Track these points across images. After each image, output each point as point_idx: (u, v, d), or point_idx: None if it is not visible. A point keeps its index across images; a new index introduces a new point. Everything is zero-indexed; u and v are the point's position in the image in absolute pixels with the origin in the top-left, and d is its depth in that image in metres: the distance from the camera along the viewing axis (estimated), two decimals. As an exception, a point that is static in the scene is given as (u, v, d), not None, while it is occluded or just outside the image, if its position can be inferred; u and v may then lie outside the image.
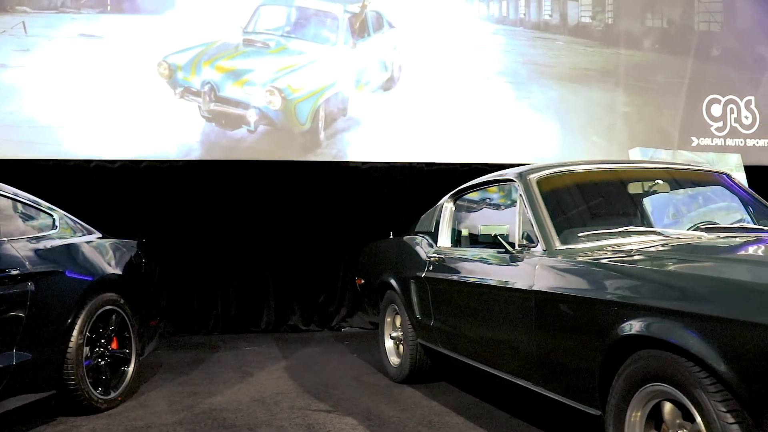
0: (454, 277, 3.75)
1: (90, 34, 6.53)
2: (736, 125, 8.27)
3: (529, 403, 3.77)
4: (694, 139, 8.09)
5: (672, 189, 3.67)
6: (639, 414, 2.39)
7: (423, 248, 4.31)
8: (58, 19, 6.48)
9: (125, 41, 6.58)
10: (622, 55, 7.88)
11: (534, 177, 3.38)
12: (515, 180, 3.46)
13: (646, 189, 3.53)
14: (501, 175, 3.71)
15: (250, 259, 6.83)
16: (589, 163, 3.56)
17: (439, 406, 3.99)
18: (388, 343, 4.82)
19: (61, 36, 6.49)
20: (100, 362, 3.99)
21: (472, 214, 4.12)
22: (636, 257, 2.66)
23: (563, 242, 3.04)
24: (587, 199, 3.47)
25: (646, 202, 3.56)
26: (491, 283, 3.32)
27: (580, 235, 3.06)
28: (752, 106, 8.33)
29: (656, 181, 3.47)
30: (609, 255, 2.77)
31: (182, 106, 6.62)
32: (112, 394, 4.04)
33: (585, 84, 7.68)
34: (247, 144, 6.73)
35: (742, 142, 8.28)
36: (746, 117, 8.30)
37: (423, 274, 4.12)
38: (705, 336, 2.10)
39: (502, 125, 7.31)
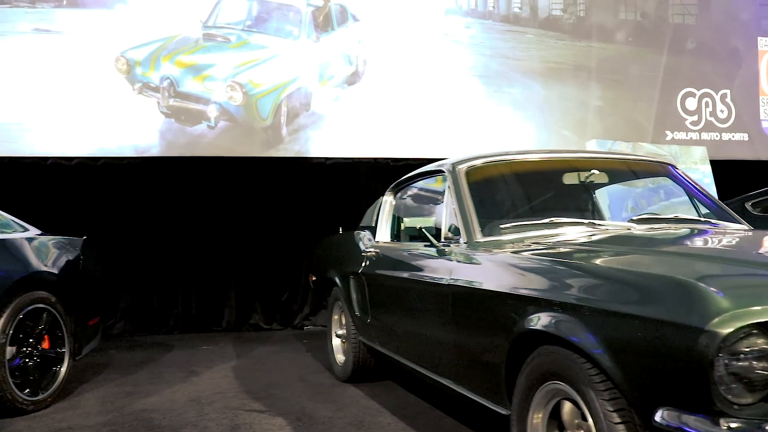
0: (386, 273, 3.63)
1: (45, 29, 6.42)
2: (712, 119, 8.14)
3: (465, 404, 3.65)
4: (668, 132, 7.97)
5: (611, 180, 3.54)
6: (541, 415, 2.27)
7: (363, 243, 4.19)
8: (12, 14, 6.37)
9: (82, 36, 6.46)
10: (595, 49, 7.75)
11: (463, 167, 3.26)
12: (445, 171, 3.34)
13: (582, 179, 3.40)
14: (436, 166, 3.59)
15: (211, 257, 6.72)
16: (523, 153, 3.44)
17: (377, 405, 3.88)
18: (335, 341, 4.71)
19: (15, 31, 6.38)
20: (27, 362, 3.88)
21: (409, 207, 4.00)
22: (549, 250, 2.54)
23: (485, 234, 2.92)
24: (517, 190, 3.35)
25: (581, 192, 3.44)
26: (415, 278, 3.21)
27: (502, 227, 2.94)
28: (728, 100, 8.20)
29: (592, 172, 3.34)
30: (524, 248, 2.65)
31: (141, 101, 6.51)
32: (41, 395, 3.93)
33: (556, 78, 7.55)
34: (207, 140, 6.62)
35: (717, 136, 8.15)
36: (722, 111, 8.17)
37: (360, 270, 4.01)
38: (592, 330, 1.98)
39: (470, 120, 7.19)
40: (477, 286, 2.62)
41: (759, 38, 8.36)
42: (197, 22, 6.67)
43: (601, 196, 5.02)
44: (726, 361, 1.61)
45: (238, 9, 6.80)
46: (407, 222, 3.22)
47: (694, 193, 3.63)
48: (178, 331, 6.62)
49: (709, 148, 8.13)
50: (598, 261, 2.22)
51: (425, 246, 3.23)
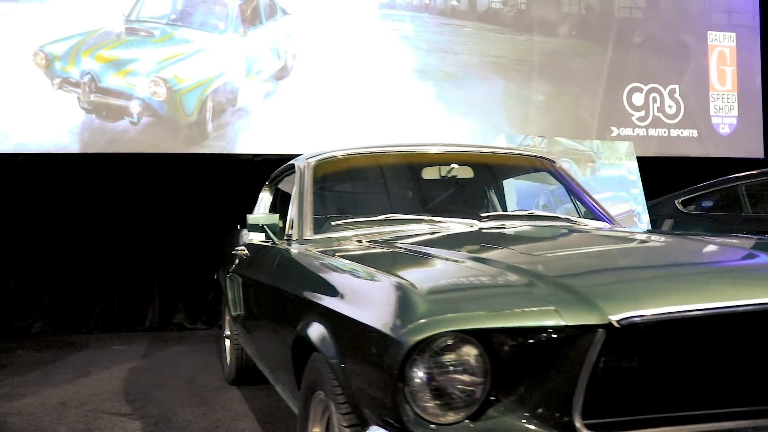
0: (243, 272, 3.50)
1: (-39, 22, 6.30)
2: (659, 115, 7.97)
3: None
4: (614, 128, 7.81)
5: (478, 174, 3.37)
6: (318, 428, 2.12)
7: (239, 242, 4.06)
8: (-75, 7, 6.25)
9: None
10: (536, 43, 7.59)
11: (312, 162, 3.13)
12: (296, 165, 3.21)
13: (443, 174, 3.25)
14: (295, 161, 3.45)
15: (135, 256, 6.59)
16: (381, 147, 3.30)
17: (245, 409, 3.75)
18: (226, 342, 4.58)
19: (-71, 25, 6.27)
20: None
21: (276, 202, 3.86)
22: (357, 250, 2.40)
23: (317, 232, 2.79)
24: (365, 185, 3.22)
25: (438, 187, 3.29)
26: (253, 277, 3.09)
27: (334, 223, 2.81)
28: (676, 95, 8.03)
29: (451, 166, 3.19)
30: (339, 246, 2.51)
31: (60, 97, 6.38)
32: None
33: (496, 72, 7.40)
34: (130, 136, 6.49)
35: (665, 132, 7.99)
36: (670, 106, 8.01)
37: (231, 269, 3.88)
38: (331, 337, 1.84)
39: (405, 116, 7.04)
40: (278, 286, 2.49)
41: (709, 32, 8.19)
42: (119, 16, 6.52)
43: (509, 191, 4.90)
44: (421, 374, 1.44)
45: (162, 2, 6.65)
46: (250, 219, 3.09)
47: (572, 189, 3.48)
48: (99, 330, 6.49)
49: (658, 144, 8.00)
50: (365, 263, 2.08)
51: (270, 244, 3.10)
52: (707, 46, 8.17)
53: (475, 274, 1.68)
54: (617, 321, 1.37)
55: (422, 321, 1.40)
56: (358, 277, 1.86)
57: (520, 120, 7.45)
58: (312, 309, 2.01)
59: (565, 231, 2.52)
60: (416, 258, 2.04)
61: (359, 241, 2.55)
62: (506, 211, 3.51)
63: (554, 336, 1.38)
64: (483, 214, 2.85)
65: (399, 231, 2.69)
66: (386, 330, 1.47)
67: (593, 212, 3.31)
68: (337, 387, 1.79)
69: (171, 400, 3.97)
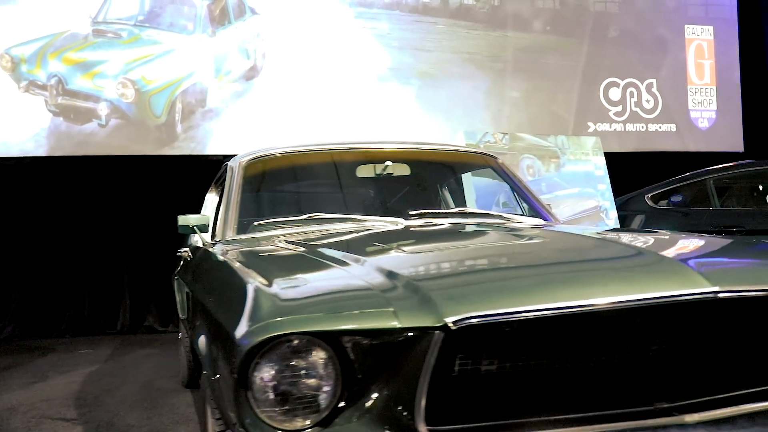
0: (182, 275, 3.46)
1: (-74, 26, 6.28)
2: (637, 109, 7.91)
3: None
4: (590, 124, 7.75)
5: (415, 171, 3.32)
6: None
7: (186, 243, 4.02)
8: None
9: (-35, 34, 6.32)
10: (510, 38, 7.54)
11: (243, 161, 3.09)
12: (228, 165, 3.18)
13: (377, 172, 3.20)
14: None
15: (105, 259, 6.57)
16: (314, 146, 3.25)
17: (191, 412, 3.72)
18: (182, 345, 4.54)
19: None
20: None
21: (220, 204, 3.82)
22: (258, 252, 2.35)
23: (240, 232, 2.75)
24: (298, 184, 3.17)
25: (373, 186, 3.24)
26: (186, 280, 3.05)
27: (256, 224, 2.77)
28: (654, 90, 7.97)
29: (386, 164, 3.15)
30: (252, 248, 2.47)
31: (27, 100, 6.35)
32: None
33: (469, 69, 7.35)
34: (98, 138, 6.46)
35: (643, 126, 7.93)
36: (647, 101, 7.95)
37: (176, 271, 3.85)
38: (203, 339, 1.81)
39: (376, 115, 7.00)
40: (191, 289, 2.45)
41: (686, 26, 8.13)
42: (86, 18, 6.49)
43: (468, 188, 4.85)
44: (265, 379, 1.40)
45: (129, 4, 6.62)
46: (181, 220, 3.05)
47: (514, 186, 3.43)
48: (69, 334, 6.47)
49: (636, 139, 7.94)
50: (247, 265, 2.03)
51: (201, 246, 3.06)
52: (684, 40, 8.11)
53: (342, 276, 1.64)
54: (452, 323, 1.32)
55: (261, 324, 1.36)
56: (231, 279, 1.82)
57: (494, 117, 7.40)
58: (198, 311, 1.98)
59: (478, 230, 2.46)
60: (302, 259, 1.99)
61: (279, 242, 2.51)
62: (455, 207, 3.45)
63: (395, 339, 1.34)
64: (411, 212, 2.80)
65: (324, 230, 2.65)
66: (232, 332, 1.43)
67: (534, 209, 3.26)
68: (209, 389, 1.77)
69: (120, 405, 3.94)
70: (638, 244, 1.86)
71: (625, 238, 2.15)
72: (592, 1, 7.82)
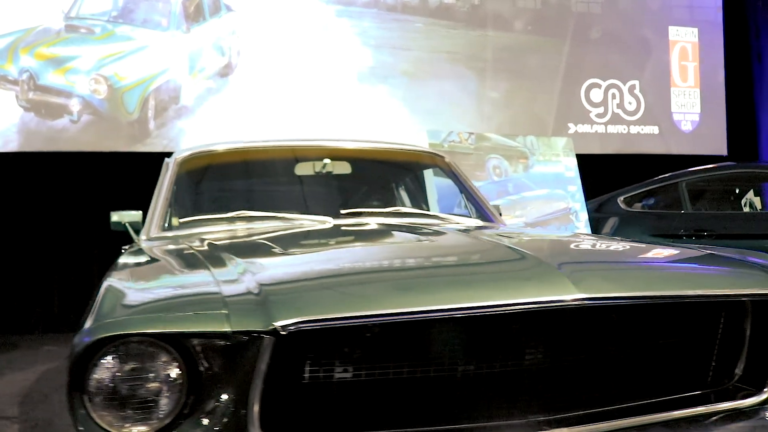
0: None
1: None
2: (619, 111, 7.84)
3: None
4: (571, 125, 7.68)
5: (356, 170, 3.25)
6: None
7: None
8: None
9: (-63, 28, 6.28)
10: (491, 38, 7.47)
11: (179, 157, 3.06)
12: (165, 161, 3.13)
13: (316, 170, 3.14)
14: (176, 157, 3.36)
15: (75, 255, 6.52)
16: (253, 142, 3.21)
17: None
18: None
19: None
20: None
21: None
22: (167, 252, 2.30)
23: (165, 230, 2.70)
24: (234, 181, 3.12)
25: (309, 184, 3.17)
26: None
27: (181, 221, 2.72)
28: (636, 91, 7.90)
29: (324, 162, 3.09)
30: (159, 247, 2.42)
31: (-2, 95, 6.32)
32: None
33: (448, 69, 7.29)
34: (69, 135, 6.41)
35: (625, 129, 7.86)
36: (630, 102, 7.87)
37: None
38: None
39: (353, 114, 6.94)
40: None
41: (670, 27, 8.05)
42: (59, 13, 6.45)
43: (430, 188, 4.78)
44: (101, 382, 1.31)
45: (103, -1, 6.58)
46: (114, 216, 3.00)
47: (462, 186, 3.36)
48: (39, 331, 6.43)
49: (617, 141, 7.88)
50: (135, 262, 1.99)
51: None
52: (668, 42, 8.03)
53: (204, 279, 1.56)
54: (281, 327, 1.26)
55: (98, 324, 1.31)
56: (105, 278, 1.77)
57: (473, 117, 7.34)
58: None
59: (385, 231, 2.37)
60: (188, 260, 1.93)
61: (194, 241, 2.46)
62: (396, 207, 3.37)
63: (232, 343, 1.28)
64: (343, 211, 2.74)
65: (249, 229, 2.59)
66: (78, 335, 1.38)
67: (479, 210, 3.19)
68: None
69: (38, 407, 3.89)
70: (529, 249, 1.78)
71: (529, 241, 2.09)
72: (574, 1, 7.75)
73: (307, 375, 1.32)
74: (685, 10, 8.09)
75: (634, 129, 7.86)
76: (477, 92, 7.39)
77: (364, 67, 7.04)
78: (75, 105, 6.40)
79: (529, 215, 5.18)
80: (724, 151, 8.14)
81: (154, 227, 2.68)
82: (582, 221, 5.52)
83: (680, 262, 1.88)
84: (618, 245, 2.06)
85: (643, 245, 2.13)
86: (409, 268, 1.60)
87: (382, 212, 2.85)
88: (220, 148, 3.09)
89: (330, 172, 3.17)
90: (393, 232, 2.27)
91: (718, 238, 5.27)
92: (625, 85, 7.84)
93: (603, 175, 7.07)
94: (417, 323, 1.31)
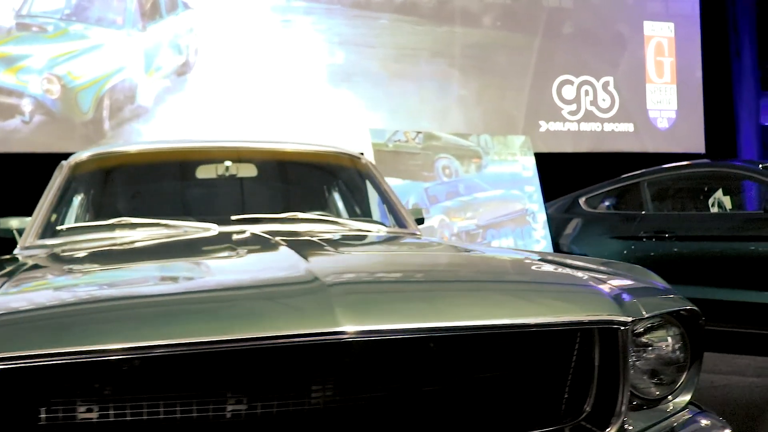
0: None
1: None
2: (592, 108, 7.67)
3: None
4: (542, 123, 7.51)
5: (263, 172, 3.09)
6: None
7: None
8: None
9: None
10: (458, 34, 7.30)
11: (72, 161, 2.90)
12: (60, 163, 2.99)
13: (219, 173, 2.98)
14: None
15: (29, 259, 6.39)
16: (151, 144, 3.07)
17: None
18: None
19: None
20: None
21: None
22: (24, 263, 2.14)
23: (42, 237, 2.55)
24: (119, 186, 2.96)
25: (207, 188, 3.01)
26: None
27: (58, 228, 2.57)
28: (610, 88, 7.72)
29: (226, 165, 2.93)
30: (23, 256, 2.27)
31: (-52, 95, 6.19)
32: None
33: (414, 66, 7.12)
34: (21, 135, 6.28)
35: (598, 126, 7.68)
36: (604, 99, 7.69)
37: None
38: None
39: (315, 113, 6.78)
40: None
41: (645, 22, 7.87)
42: (9, 11, 6.31)
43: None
44: None
45: (55, -3, 6.44)
46: (1, 222, 2.85)
47: (376, 190, 3.18)
48: None
49: (591, 139, 7.70)
50: None
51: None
52: (643, 37, 7.85)
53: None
54: None
55: None
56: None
57: (439, 116, 7.17)
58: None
59: (260, 241, 2.19)
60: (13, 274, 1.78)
61: (64, 250, 2.31)
62: (315, 211, 3.19)
63: None
64: (234, 217, 2.58)
65: (127, 237, 2.43)
66: None
67: (394, 216, 3.02)
68: None
69: None
70: (330, 269, 1.57)
71: (348, 258, 1.91)
72: (545, -5, 7.57)
73: (43, 417, 1.16)
74: (661, 4, 7.90)
75: (608, 126, 7.68)
76: (444, 90, 7.22)
77: (326, 65, 6.88)
78: (27, 105, 6.26)
79: (481, 217, 5.01)
80: (702, 149, 7.95)
81: (32, 235, 2.53)
82: (540, 222, 5.35)
83: (510, 281, 1.70)
84: (454, 260, 1.92)
85: (494, 258, 1.97)
86: (184, 291, 1.43)
87: (276, 218, 2.68)
88: (116, 149, 2.95)
89: (234, 175, 3.02)
90: (256, 244, 2.11)
91: (679, 239, 5.10)
92: (598, 81, 7.66)
93: (576, 174, 6.89)
94: (154, 358, 1.15)
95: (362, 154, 3.36)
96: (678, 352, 1.60)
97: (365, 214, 3.13)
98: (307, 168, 3.21)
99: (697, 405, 1.67)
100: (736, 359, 4.69)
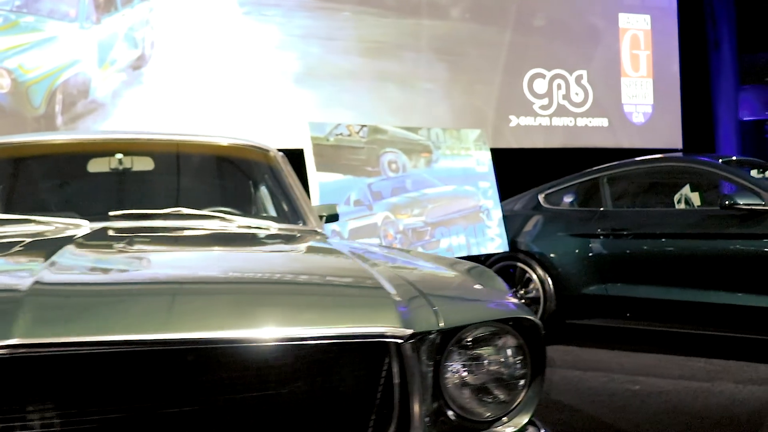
0: None
1: None
2: (565, 102, 7.47)
3: None
4: (512, 117, 7.32)
5: (160, 166, 2.92)
6: None
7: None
8: None
9: None
10: (425, 26, 7.11)
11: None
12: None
13: (114, 167, 2.81)
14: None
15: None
16: (38, 136, 2.91)
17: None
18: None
19: None
20: None
21: None
22: None
23: None
24: (4, 180, 2.79)
25: (92, 182, 2.84)
26: None
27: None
28: (584, 82, 7.52)
29: (118, 158, 2.77)
30: None
31: None
32: None
33: (378, 59, 6.94)
34: (-29, 131, 6.15)
35: (571, 121, 7.48)
36: (577, 93, 7.50)
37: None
38: None
39: (274, 108, 6.61)
40: None
41: (621, 14, 7.67)
42: (-41, 3, 6.18)
43: (313, 185, 4.44)
44: None
45: (6, -12, 6.30)
46: None
47: (282, 184, 3.00)
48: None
49: (563, 134, 7.50)
50: None
51: None
52: (618, 30, 7.65)
53: None
54: None
55: None
56: None
57: (405, 110, 6.98)
58: None
59: (123, 239, 2.05)
60: None
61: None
62: (218, 206, 3.01)
63: None
64: (112, 213, 2.42)
65: (4, 232, 2.27)
66: None
67: (295, 212, 2.84)
68: None
69: None
70: (155, 273, 1.43)
71: (181, 260, 1.75)
72: (516, -13, 7.37)
73: None
74: (637, -5, 7.70)
75: (582, 121, 7.48)
76: (410, 84, 7.03)
77: (287, 58, 6.70)
78: (-24, 100, 6.13)
79: (429, 214, 4.82)
80: (679, 144, 7.75)
81: None
82: (495, 220, 5.16)
83: (287, 285, 1.53)
84: (276, 261, 1.77)
85: (308, 259, 1.82)
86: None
87: (158, 214, 2.51)
88: (2, 141, 2.77)
89: (129, 169, 2.85)
90: (120, 242, 1.97)
91: (636, 237, 4.91)
92: (571, 75, 7.46)
93: (547, 170, 6.70)
94: None
95: (301, 149, 3.18)
96: (515, 368, 1.42)
97: (266, 210, 2.96)
98: (208, 161, 3.03)
99: (538, 425, 1.49)
100: (689, 362, 4.49)
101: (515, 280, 5.33)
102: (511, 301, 1.47)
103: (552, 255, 5.18)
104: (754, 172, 5.15)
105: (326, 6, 6.83)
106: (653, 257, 4.83)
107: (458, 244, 4.91)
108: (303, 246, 2.10)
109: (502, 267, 5.36)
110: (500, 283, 1.60)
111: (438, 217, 4.88)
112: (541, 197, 5.52)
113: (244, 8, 6.65)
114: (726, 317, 4.59)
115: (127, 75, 6.43)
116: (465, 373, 1.39)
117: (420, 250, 4.76)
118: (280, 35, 6.69)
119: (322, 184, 4.43)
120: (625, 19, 7.62)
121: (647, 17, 7.67)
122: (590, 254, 5.05)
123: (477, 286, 1.55)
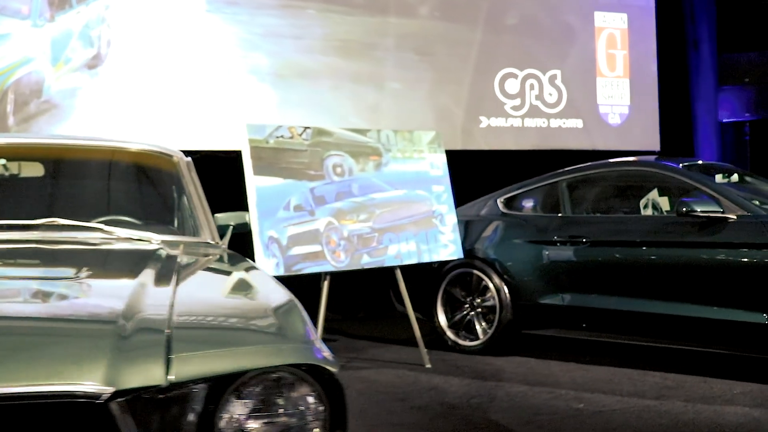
0: None
1: None
2: (538, 103, 7.27)
3: None
4: (483, 118, 7.12)
5: (52, 170, 2.75)
6: None
7: None
8: None
9: None
10: (392, 25, 6.91)
11: None
12: None
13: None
14: None
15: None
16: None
17: None
18: None
19: None
20: None
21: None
22: None
23: None
24: None
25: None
26: None
27: None
28: (558, 82, 7.31)
29: (1, 163, 2.61)
30: None
31: None
32: None
33: (343, 58, 6.74)
34: None
35: (544, 122, 7.28)
36: (550, 94, 7.29)
37: None
38: None
39: (236, 109, 6.42)
40: None
41: (596, 13, 7.46)
42: None
43: (250, 189, 4.26)
44: None
45: (-44, -15, 6.14)
46: None
47: (180, 193, 2.81)
48: None
49: (536, 135, 7.31)
50: None
51: None
52: (594, 28, 7.44)
53: None
54: None
55: None
56: None
57: (370, 111, 6.79)
58: None
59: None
60: None
61: None
62: (112, 215, 2.81)
63: None
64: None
65: None
66: None
67: (195, 223, 2.67)
68: None
69: None
70: None
71: None
72: (487, -16, 7.17)
73: None
74: (613, -7, 7.48)
75: (555, 122, 7.28)
76: (376, 84, 6.83)
77: (248, 58, 6.51)
78: (-75, 100, 5.97)
79: (377, 220, 4.63)
80: (656, 146, 7.54)
81: None
82: (449, 226, 4.97)
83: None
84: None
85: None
86: None
87: (32, 225, 2.35)
88: None
89: (16, 175, 2.69)
90: None
91: (593, 245, 4.72)
92: (545, 75, 7.26)
93: (519, 173, 6.51)
94: None
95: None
96: (306, 419, 1.24)
97: (162, 219, 2.78)
98: (102, 167, 2.85)
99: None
100: (644, 376, 4.30)
101: (471, 288, 5.14)
102: (303, 346, 1.29)
103: (509, 263, 4.99)
104: (719, 177, 4.94)
105: (291, 4, 6.64)
106: (609, 266, 4.64)
107: (407, 250, 4.73)
108: (140, 269, 1.87)
109: (458, 274, 5.18)
110: (299, 325, 1.41)
111: (386, 223, 4.70)
112: (499, 201, 5.34)
113: (206, 6, 6.46)
114: (684, 329, 4.40)
115: (81, 74, 6.25)
116: (249, 424, 1.21)
117: (366, 257, 4.58)
118: (241, 33, 6.50)
119: (259, 188, 4.25)
120: (601, 18, 7.41)
121: (624, 16, 7.45)
122: (547, 262, 4.87)
123: (266, 326, 1.37)
